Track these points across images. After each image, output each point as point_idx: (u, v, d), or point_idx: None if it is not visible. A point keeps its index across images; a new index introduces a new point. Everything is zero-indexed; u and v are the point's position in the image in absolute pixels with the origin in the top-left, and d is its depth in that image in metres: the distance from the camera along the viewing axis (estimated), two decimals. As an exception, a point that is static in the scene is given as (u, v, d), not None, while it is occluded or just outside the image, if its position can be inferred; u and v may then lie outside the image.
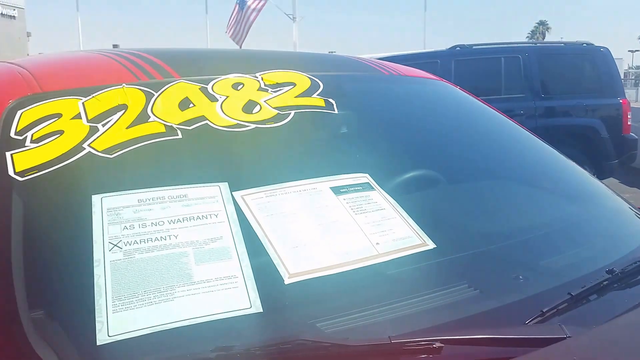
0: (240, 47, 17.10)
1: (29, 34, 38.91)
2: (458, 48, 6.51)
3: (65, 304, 0.99)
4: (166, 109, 1.27)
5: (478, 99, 1.99)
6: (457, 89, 2.04)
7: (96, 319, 0.88)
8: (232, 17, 17.13)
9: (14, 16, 35.33)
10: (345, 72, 1.85)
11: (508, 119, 1.91)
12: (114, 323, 0.88)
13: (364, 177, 1.28)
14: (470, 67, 6.07)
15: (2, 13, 34.14)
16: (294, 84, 1.47)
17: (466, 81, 5.87)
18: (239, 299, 0.94)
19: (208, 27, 31.13)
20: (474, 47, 6.66)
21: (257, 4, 16.73)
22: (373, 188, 1.25)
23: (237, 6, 16.95)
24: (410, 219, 1.18)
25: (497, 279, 1.23)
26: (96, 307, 0.89)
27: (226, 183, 1.14)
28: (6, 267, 0.97)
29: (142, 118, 1.23)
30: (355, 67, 1.96)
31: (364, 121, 1.74)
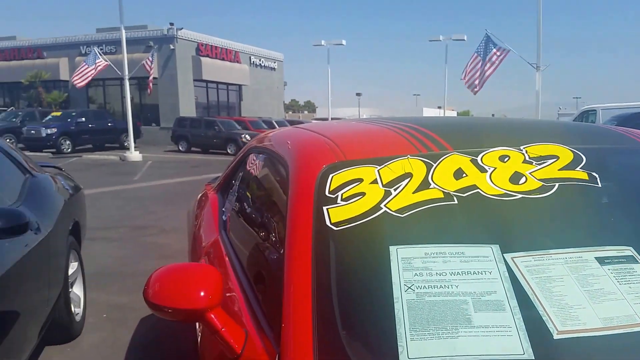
0: (475, 94, 16.98)
1: (285, 84, 44.20)
2: None
3: (370, 328, 1.24)
4: (443, 178, 1.50)
5: None
6: None
7: (398, 343, 1.11)
8: (470, 64, 16.79)
9: (274, 68, 40.49)
10: (607, 144, 1.89)
11: None
12: (412, 348, 1.09)
13: (628, 250, 1.33)
14: None
15: (265, 65, 39.43)
16: (557, 157, 1.59)
17: None
18: (512, 346, 1.09)
19: (447, 74, 33.94)
20: None
21: (499, 57, 16.30)
22: (638, 261, 1.30)
23: (478, 56, 16.56)
24: None
25: None
26: (397, 334, 1.12)
27: (497, 245, 1.31)
28: (328, 298, 1.27)
29: (424, 185, 1.48)
30: (616, 139, 1.97)
31: (627, 194, 1.74)
